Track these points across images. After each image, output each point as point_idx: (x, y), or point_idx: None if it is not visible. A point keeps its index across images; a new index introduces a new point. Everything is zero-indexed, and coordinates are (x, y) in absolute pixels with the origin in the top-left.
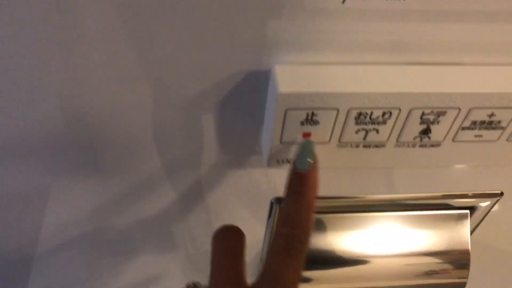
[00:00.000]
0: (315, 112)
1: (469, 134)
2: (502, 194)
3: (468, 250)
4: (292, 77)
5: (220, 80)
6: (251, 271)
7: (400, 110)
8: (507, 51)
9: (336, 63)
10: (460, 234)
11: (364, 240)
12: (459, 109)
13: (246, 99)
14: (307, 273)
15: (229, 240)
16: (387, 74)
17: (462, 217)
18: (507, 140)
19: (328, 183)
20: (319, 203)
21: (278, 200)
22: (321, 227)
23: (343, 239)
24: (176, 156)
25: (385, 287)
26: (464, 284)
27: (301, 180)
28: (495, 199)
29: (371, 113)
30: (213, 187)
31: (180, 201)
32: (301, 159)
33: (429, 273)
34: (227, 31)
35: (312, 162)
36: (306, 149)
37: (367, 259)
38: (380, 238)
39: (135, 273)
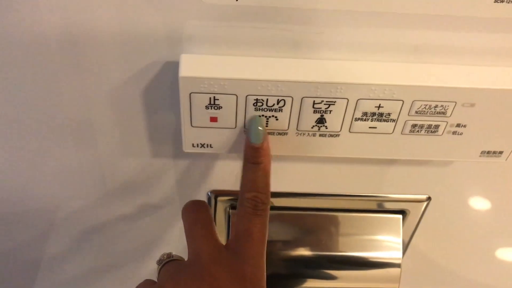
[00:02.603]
0: (216, 96)
1: (363, 125)
2: (429, 198)
3: (400, 256)
4: (194, 64)
5: (141, 70)
6: None
7: (292, 98)
8: (392, 51)
9: (239, 55)
10: (392, 239)
11: (291, 238)
12: (347, 100)
13: (165, 89)
14: None
15: (198, 213)
16: (281, 66)
17: (394, 221)
18: (401, 133)
19: None
20: None
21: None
22: None
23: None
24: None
25: None
26: None
27: (255, 152)
28: (423, 203)
29: (267, 100)
30: (147, 178)
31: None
32: (253, 134)
33: (359, 277)
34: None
35: (262, 135)
36: (256, 124)
37: (294, 258)
38: (307, 238)
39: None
